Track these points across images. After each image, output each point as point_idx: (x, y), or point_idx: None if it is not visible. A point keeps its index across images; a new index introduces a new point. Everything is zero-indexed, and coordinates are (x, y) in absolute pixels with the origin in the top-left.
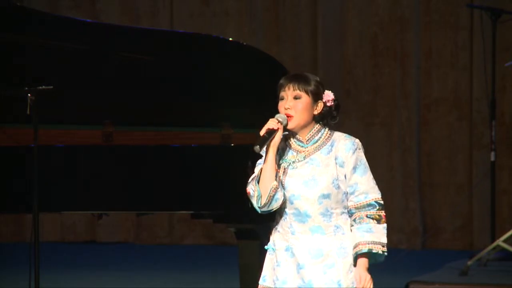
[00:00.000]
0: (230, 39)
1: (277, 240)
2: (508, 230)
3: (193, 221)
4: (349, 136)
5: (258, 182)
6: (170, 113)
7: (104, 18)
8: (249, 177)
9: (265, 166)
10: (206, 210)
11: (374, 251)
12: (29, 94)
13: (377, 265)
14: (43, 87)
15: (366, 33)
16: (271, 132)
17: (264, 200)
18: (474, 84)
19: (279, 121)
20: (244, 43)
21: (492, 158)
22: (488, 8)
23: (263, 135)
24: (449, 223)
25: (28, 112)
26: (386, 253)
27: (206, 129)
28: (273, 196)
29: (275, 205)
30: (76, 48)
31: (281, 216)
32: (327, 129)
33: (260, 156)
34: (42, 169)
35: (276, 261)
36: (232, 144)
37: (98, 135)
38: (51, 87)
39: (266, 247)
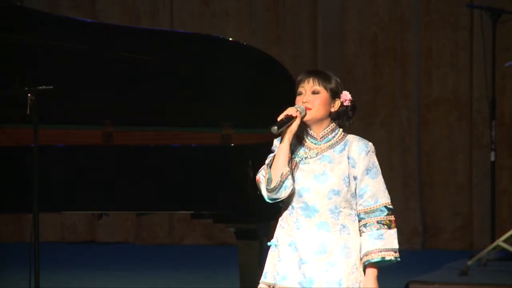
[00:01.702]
0: (230, 39)
1: (281, 235)
2: (508, 230)
3: (193, 221)
4: (363, 138)
5: (270, 167)
6: (170, 113)
7: (104, 18)
8: (250, 177)
9: (279, 151)
10: (206, 210)
11: (387, 258)
12: (29, 94)
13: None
14: (43, 87)
15: (366, 33)
16: (289, 118)
17: (274, 183)
18: (474, 84)
19: (297, 110)
20: (244, 43)
21: (492, 158)
22: (488, 8)
23: (282, 119)
24: (449, 223)
25: (28, 112)
26: (399, 259)
27: (206, 129)
28: (283, 182)
29: (283, 193)
30: (76, 48)
31: (287, 211)
32: (341, 130)
33: (270, 152)
34: (42, 169)
35: (278, 256)
36: (232, 144)
37: (98, 135)
38: (51, 87)
39: (269, 243)
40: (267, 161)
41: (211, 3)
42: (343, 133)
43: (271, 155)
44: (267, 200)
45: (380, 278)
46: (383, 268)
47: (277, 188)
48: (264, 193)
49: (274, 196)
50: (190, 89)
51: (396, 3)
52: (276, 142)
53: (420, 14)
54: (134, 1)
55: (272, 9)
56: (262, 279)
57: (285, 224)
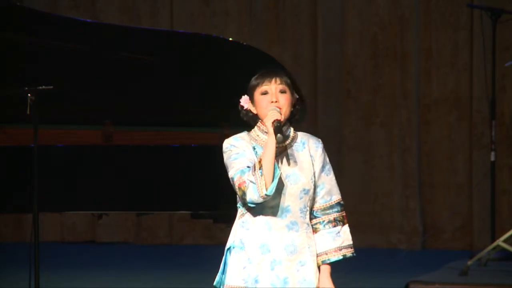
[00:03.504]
0: (230, 39)
1: (248, 237)
2: (508, 230)
3: (193, 221)
4: (312, 135)
5: (261, 172)
6: (170, 113)
7: (104, 18)
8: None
9: (270, 157)
10: (206, 210)
11: (348, 255)
12: (29, 94)
13: (377, 265)
14: (43, 87)
15: (366, 33)
16: (279, 122)
17: (273, 187)
18: (474, 84)
19: (279, 113)
20: (244, 43)
21: (492, 158)
22: (488, 8)
23: (274, 125)
24: (449, 223)
25: (28, 112)
26: (355, 254)
27: (206, 129)
28: (276, 185)
29: (272, 195)
30: (76, 48)
31: (254, 213)
32: (292, 128)
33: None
34: (42, 169)
35: (248, 259)
36: None
37: (98, 135)
38: (51, 87)
39: (232, 246)
40: (236, 162)
41: (211, 3)
42: (294, 131)
43: (237, 151)
44: (251, 205)
45: (380, 278)
46: (383, 268)
47: (272, 192)
48: (256, 198)
49: (264, 200)
50: (190, 89)
51: (396, 3)
52: (233, 141)
53: (420, 14)
54: (134, 1)
55: (272, 9)
56: (228, 281)
57: (251, 225)
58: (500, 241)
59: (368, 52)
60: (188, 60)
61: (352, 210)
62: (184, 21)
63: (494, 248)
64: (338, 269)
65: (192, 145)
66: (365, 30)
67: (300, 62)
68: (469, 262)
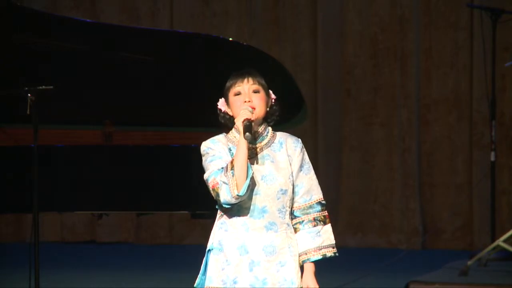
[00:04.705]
0: (230, 39)
1: (226, 239)
2: (508, 230)
3: (193, 221)
4: (291, 134)
5: (233, 172)
6: (170, 113)
7: (104, 18)
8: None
9: (241, 157)
10: (205, 210)
11: (328, 255)
12: (29, 94)
13: (376, 265)
14: (43, 87)
15: (366, 33)
16: (250, 121)
17: (245, 188)
18: (474, 84)
19: (252, 113)
20: (244, 43)
21: (492, 158)
22: (488, 8)
23: (245, 124)
24: (449, 223)
25: (28, 112)
26: (337, 254)
27: (206, 129)
28: (250, 185)
29: (247, 195)
30: (77, 48)
31: (231, 215)
32: (270, 128)
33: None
34: (42, 169)
35: (226, 260)
36: None
37: (98, 135)
38: (51, 87)
39: (211, 248)
40: (211, 165)
41: (211, 3)
42: (272, 131)
43: (212, 154)
44: (226, 205)
45: (380, 278)
46: (383, 268)
47: (246, 192)
48: (229, 199)
49: (239, 200)
50: (190, 89)
51: (396, 3)
52: (210, 143)
53: (420, 14)
54: (134, 1)
55: (272, 9)
56: (207, 283)
57: (229, 227)
58: (500, 241)
59: (368, 52)
60: (188, 60)
61: (352, 210)
62: (184, 21)
63: (494, 248)
64: (338, 268)
65: (192, 145)
66: (365, 30)
67: (300, 62)
68: (469, 262)
